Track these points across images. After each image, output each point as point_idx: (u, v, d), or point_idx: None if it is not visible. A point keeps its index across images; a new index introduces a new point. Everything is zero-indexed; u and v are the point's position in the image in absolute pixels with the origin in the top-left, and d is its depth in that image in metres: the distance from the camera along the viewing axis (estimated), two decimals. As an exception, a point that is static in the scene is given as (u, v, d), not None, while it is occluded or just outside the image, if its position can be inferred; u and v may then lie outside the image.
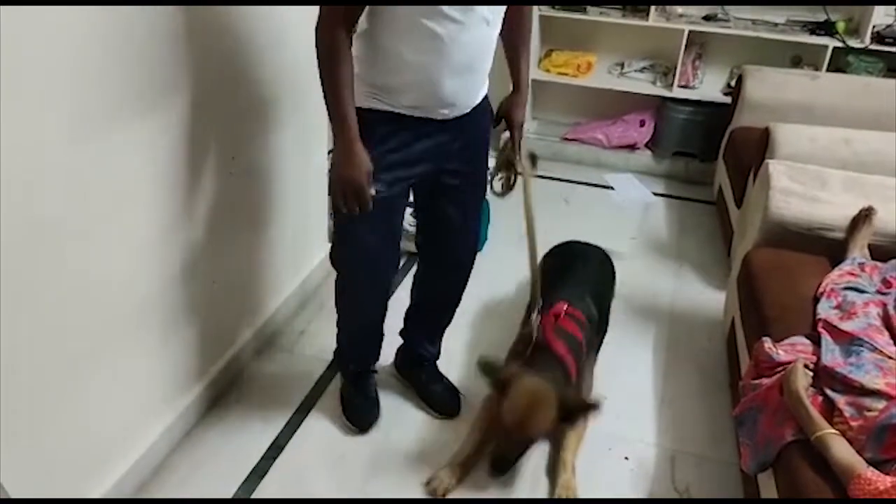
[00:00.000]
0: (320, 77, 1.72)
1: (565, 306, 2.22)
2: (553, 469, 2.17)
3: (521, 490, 2.13)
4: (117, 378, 1.89)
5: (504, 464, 2.08)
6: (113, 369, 1.87)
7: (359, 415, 2.33)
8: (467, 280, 2.29)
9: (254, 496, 2.06)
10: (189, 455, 2.18)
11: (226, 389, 2.41)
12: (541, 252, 2.29)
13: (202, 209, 2.10)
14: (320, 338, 2.68)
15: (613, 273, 2.72)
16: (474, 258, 2.26)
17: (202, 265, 2.16)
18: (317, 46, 1.71)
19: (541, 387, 2.00)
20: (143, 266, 1.91)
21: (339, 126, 1.76)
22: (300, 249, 2.78)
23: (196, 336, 2.22)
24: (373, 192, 1.81)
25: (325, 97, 1.74)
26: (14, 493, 1.36)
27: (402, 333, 2.44)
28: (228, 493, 2.06)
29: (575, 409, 2.02)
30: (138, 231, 1.85)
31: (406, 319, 2.42)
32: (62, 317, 1.66)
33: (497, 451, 2.10)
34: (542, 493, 2.13)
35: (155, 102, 1.80)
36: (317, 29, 1.70)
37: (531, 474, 2.18)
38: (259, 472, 2.14)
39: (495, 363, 2.09)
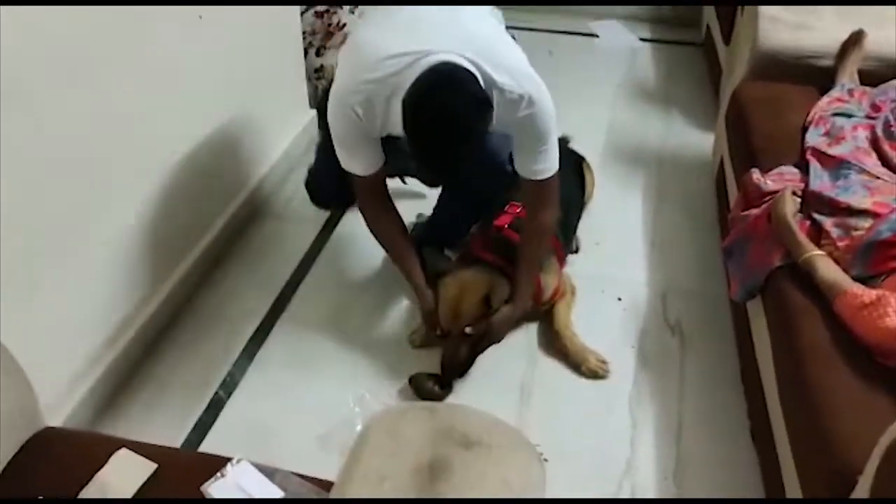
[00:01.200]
0: None
1: (517, 209, 2.13)
2: (555, 343, 2.13)
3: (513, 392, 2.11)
4: (110, 244, 1.90)
5: (451, 368, 1.99)
6: (104, 236, 1.88)
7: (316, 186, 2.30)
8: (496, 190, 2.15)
9: (260, 352, 2.12)
10: (193, 317, 2.23)
11: (222, 255, 2.43)
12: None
13: (179, 76, 2.04)
14: (309, 203, 2.67)
15: (582, 177, 2.52)
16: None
17: (185, 137, 2.13)
18: None
19: (467, 275, 1.98)
20: (128, 135, 1.87)
21: (405, 275, 2.04)
22: (281, 117, 2.73)
23: (186, 207, 2.20)
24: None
25: None
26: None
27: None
28: (236, 351, 2.12)
29: (502, 293, 1.97)
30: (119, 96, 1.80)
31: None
32: (59, 183, 1.65)
33: (444, 354, 2.00)
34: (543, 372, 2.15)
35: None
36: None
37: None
38: (264, 329, 2.19)
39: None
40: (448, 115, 1.57)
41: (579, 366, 2.06)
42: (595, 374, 2.05)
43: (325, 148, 1.96)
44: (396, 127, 1.67)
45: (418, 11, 1.74)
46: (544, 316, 2.19)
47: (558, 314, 2.14)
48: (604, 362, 2.06)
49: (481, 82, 1.63)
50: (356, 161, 1.84)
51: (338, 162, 1.87)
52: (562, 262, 2.22)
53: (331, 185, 2.00)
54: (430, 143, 1.64)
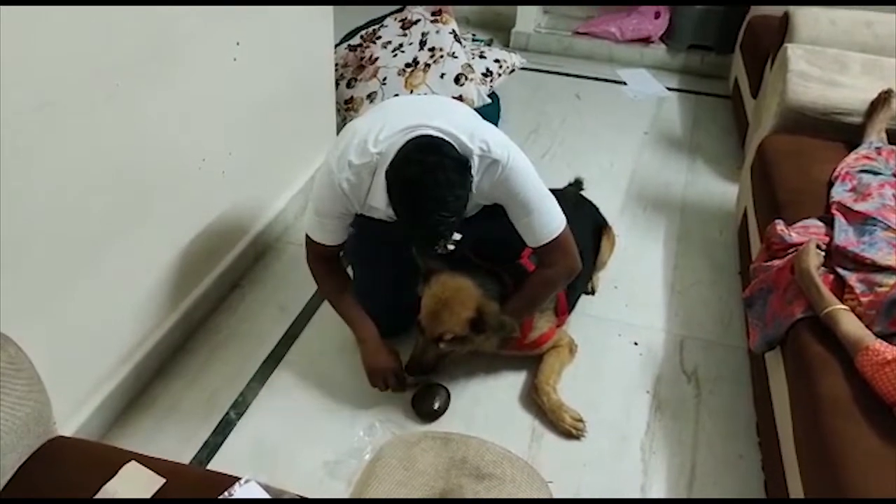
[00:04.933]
0: None
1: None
2: (532, 396, 2.07)
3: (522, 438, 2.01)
4: (134, 263, 1.92)
5: (417, 365, 2.02)
6: (130, 255, 1.89)
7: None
8: None
9: (273, 376, 2.12)
10: (208, 337, 2.23)
11: (240, 279, 2.45)
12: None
13: (212, 100, 2.07)
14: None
15: (599, 237, 2.41)
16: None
17: (214, 159, 2.16)
18: None
19: (461, 283, 1.93)
20: (160, 156, 1.90)
21: (350, 328, 2.05)
22: (309, 144, 2.76)
23: (209, 230, 2.23)
24: (410, 380, 2.02)
25: None
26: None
27: None
28: (249, 374, 2.12)
29: (492, 320, 1.93)
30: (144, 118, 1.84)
31: None
32: (88, 195, 1.67)
33: (414, 350, 2.04)
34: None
35: None
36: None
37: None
38: (277, 354, 2.19)
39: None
40: (431, 170, 1.66)
41: (555, 424, 2.00)
42: (569, 434, 1.98)
43: (362, 294, 2.10)
44: (379, 198, 1.79)
45: (407, 99, 2.00)
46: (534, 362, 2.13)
47: (544, 368, 2.09)
48: (580, 420, 1.99)
49: (458, 149, 1.76)
50: (325, 233, 1.97)
51: (377, 300, 2.08)
52: (563, 314, 2.17)
53: (385, 321, 2.09)
54: (414, 201, 1.70)
